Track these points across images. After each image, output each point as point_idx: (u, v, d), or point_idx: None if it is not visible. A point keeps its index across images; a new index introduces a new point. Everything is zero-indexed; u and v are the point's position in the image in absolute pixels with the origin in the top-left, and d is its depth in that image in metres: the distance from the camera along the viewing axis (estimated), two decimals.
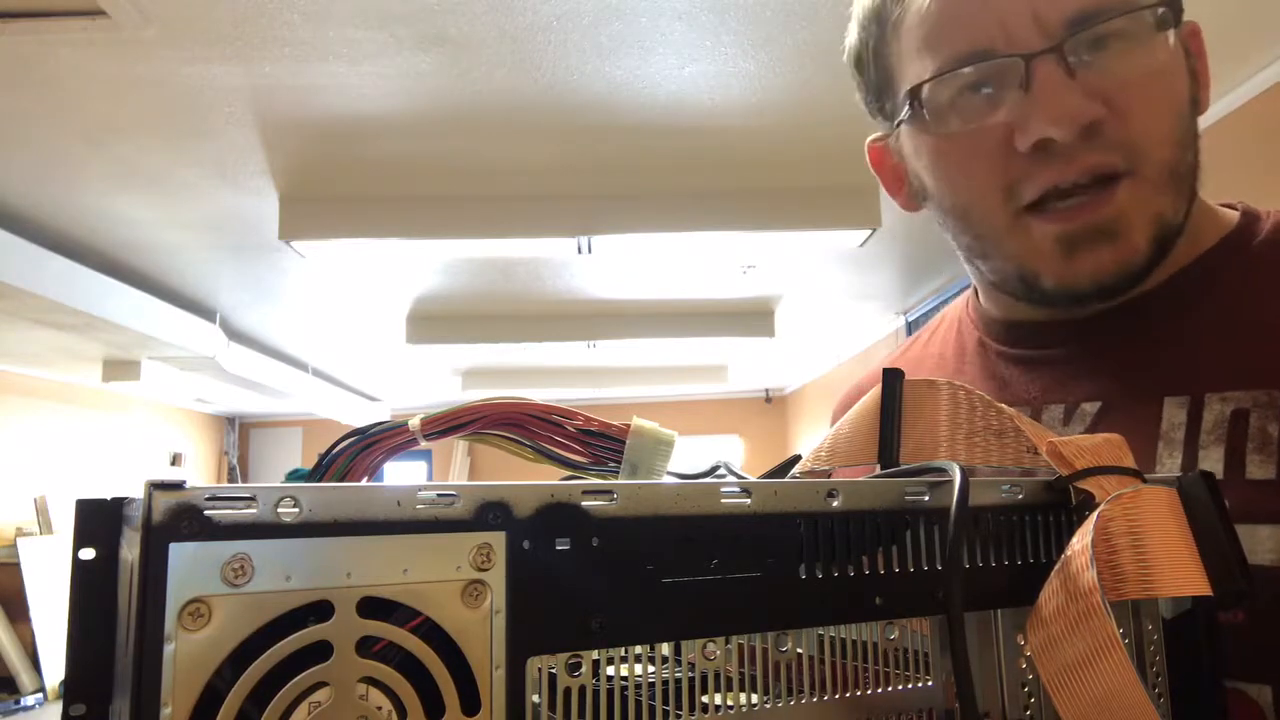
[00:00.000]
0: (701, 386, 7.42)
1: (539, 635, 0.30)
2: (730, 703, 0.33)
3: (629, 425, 0.44)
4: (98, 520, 0.32)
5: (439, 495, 0.29)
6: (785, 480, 0.41)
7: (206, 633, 0.25)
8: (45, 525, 5.57)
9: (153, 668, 0.24)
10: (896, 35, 0.60)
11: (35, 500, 5.59)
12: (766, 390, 8.35)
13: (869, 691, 0.37)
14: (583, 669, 0.31)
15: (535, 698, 0.30)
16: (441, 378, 6.69)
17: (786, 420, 8.36)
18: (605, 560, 0.31)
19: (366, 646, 0.28)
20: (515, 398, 0.42)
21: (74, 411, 6.08)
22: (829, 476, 0.54)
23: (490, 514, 0.30)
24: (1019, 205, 0.56)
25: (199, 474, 7.67)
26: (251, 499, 0.26)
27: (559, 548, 0.31)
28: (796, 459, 0.56)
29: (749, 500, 0.35)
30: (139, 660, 0.24)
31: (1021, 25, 0.54)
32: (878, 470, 0.51)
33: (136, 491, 0.28)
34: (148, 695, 0.24)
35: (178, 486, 0.26)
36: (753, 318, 4.98)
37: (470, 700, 0.28)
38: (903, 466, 0.50)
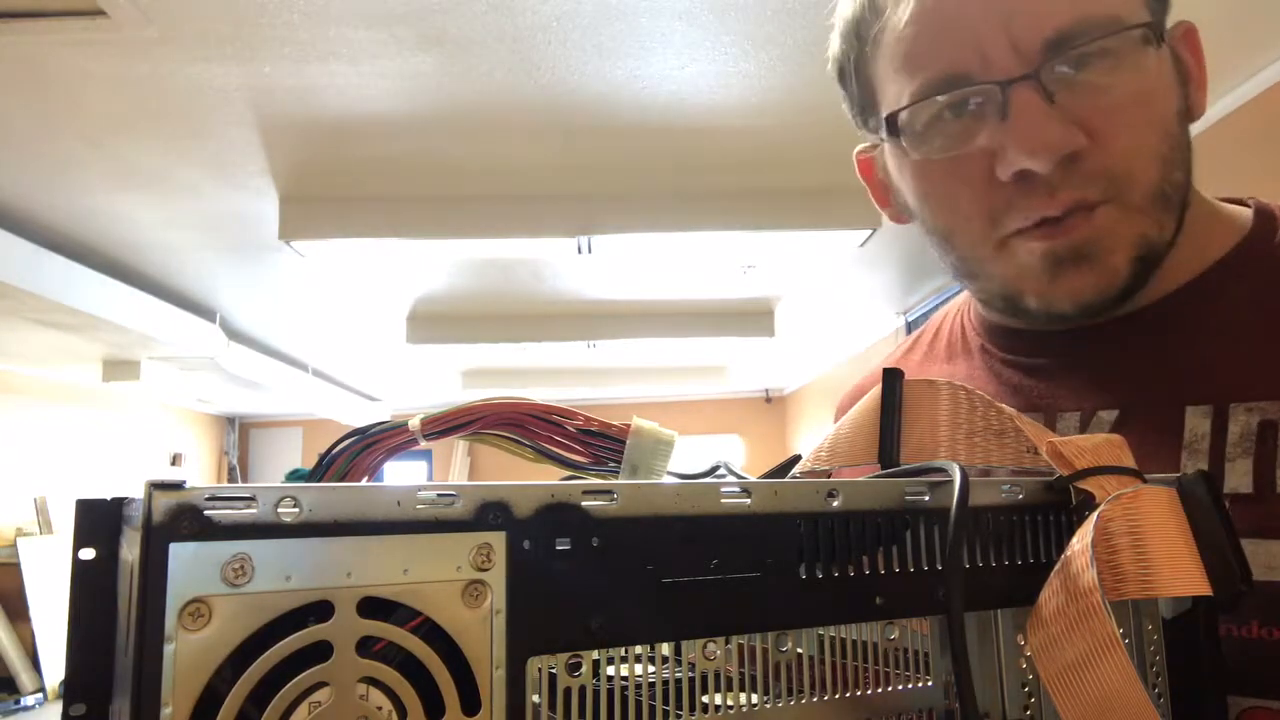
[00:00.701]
0: (701, 386, 7.42)
1: (539, 635, 0.30)
2: (730, 703, 0.33)
3: (629, 425, 0.44)
4: (98, 520, 0.32)
5: (439, 495, 0.29)
6: (785, 480, 0.41)
7: (207, 633, 0.25)
8: (45, 525, 5.57)
9: (153, 668, 0.24)
10: (876, 51, 0.59)
11: (35, 500, 5.59)
12: (766, 390, 8.35)
13: (869, 691, 0.37)
14: (583, 669, 0.31)
15: (535, 698, 0.30)
16: (441, 378, 6.69)
17: (786, 420, 8.36)
18: (605, 560, 0.31)
19: (367, 646, 0.28)
20: (515, 398, 0.42)
21: (74, 411, 6.08)
22: (829, 476, 0.54)
23: (490, 514, 0.30)
24: (1004, 232, 0.56)
25: (199, 474, 7.67)
26: (251, 499, 0.26)
27: (559, 548, 0.31)
28: (796, 459, 0.56)
29: (749, 500, 0.35)
30: (139, 660, 0.24)
31: (998, 49, 0.52)
32: (878, 470, 0.51)
33: (136, 491, 0.28)
34: (148, 695, 0.24)
35: (178, 486, 0.26)
36: (753, 318, 4.98)
37: (470, 700, 0.28)
38: (903, 466, 0.50)
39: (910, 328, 4.90)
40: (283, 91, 2.33)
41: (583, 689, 0.31)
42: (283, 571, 0.26)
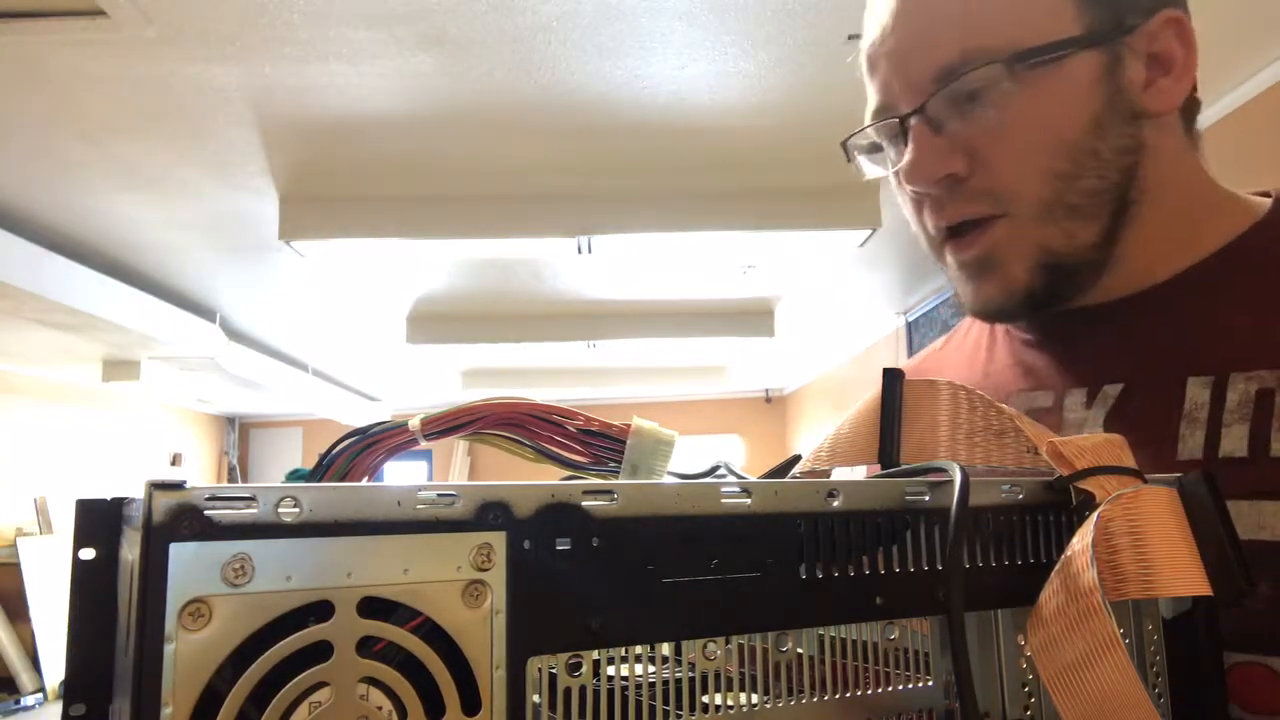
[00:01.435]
0: (701, 386, 7.42)
1: (539, 635, 0.30)
2: (730, 703, 0.33)
3: (629, 425, 0.44)
4: (98, 520, 0.32)
5: (439, 495, 0.29)
6: (785, 480, 0.41)
7: (207, 633, 0.25)
8: (45, 525, 5.57)
9: (153, 668, 0.24)
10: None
11: (35, 500, 5.59)
12: (766, 390, 8.35)
13: (869, 691, 0.37)
14: (583, 669, 0.31)
15: (535, 698, 0.30)
16: (441, 378, 6.69)
17: (786, 420, 8.36)
18: (605, 560, 0.31)
19: (367, 646, 0.28)
20: (515, 398, 0.42)
21: (74, 411, 6.08)
22: (829, 476, 0.54)
23: (490, 514, 0.30)
24: (936, 238, 0.62)
25: (199, 474, 7.67)
26: (252, 499, 0.26)
27: (559, 548, 0.31)
28: (797, 459, 0.56)
29: (749, 500, 0.35)
30: (139, 660, 0.24)
31: (899, 86, 0.59)
32: (878, 470, 0.51)
33: (136, 491, 0.28)
34: (148, 695, 0.24)
35: (178, 486, 0.26)
36: (753, 318, 4.98)
37: (470, 700, 0.28)
38: (903, 466, 0.50)
39: (910, 328, 4.90)
40: (283, 91, 2.33)
41: (583, 689, 0.31)
42: (283, 571, 0.26)
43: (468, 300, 4.55)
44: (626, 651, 0.32)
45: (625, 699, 0.31)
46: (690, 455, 0.49)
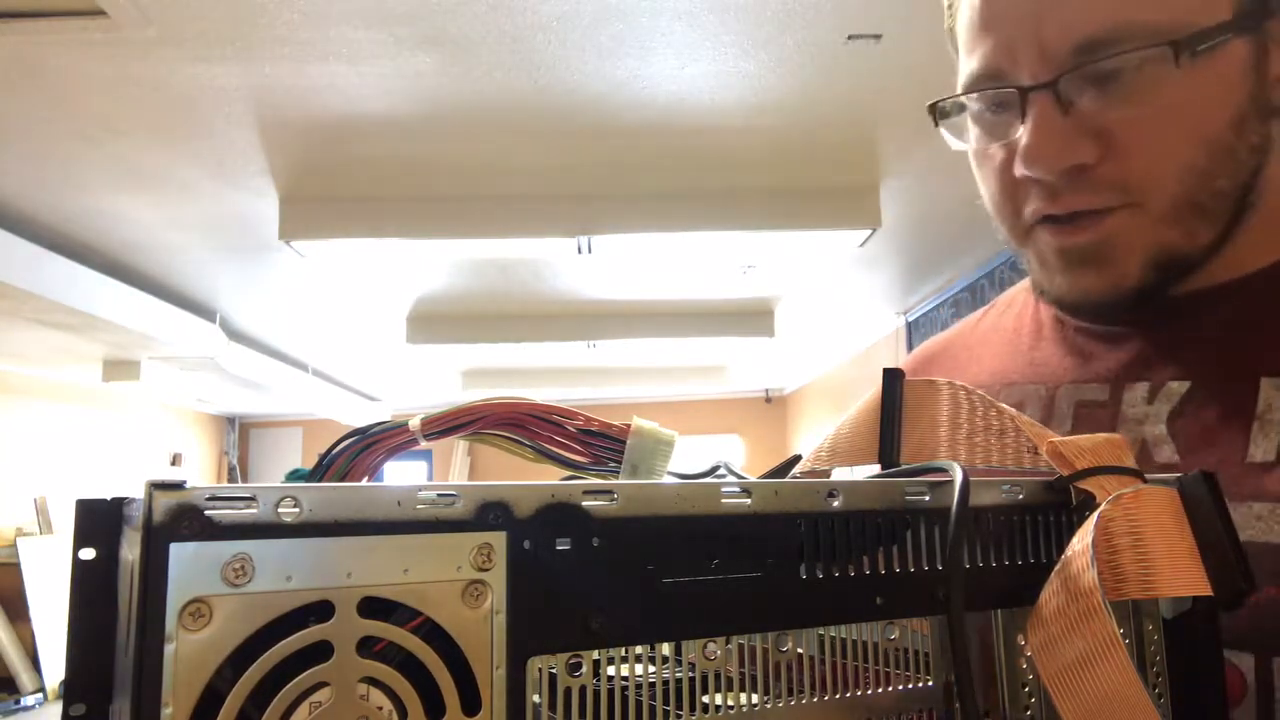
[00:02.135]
0: (701, 386, 7.42)
1: (539, 635, 0.30)
2: (730, 703, 0.33)
3: (629, 425, 0.44)
4: (98, 520, 0.32)
5: (439, 495, 0.29)
6: (785, 480, 0.41)
7: (207, 633, 0.25)
8: (45, 525, 5.57)
9: (153, 668, 0.24)
10: (954, 30, 0.61)
11: (35, 500, 5.59)
12: (766, 390, 8.35)
13: (869, 691, 0.37)
14: (583, 669, 0.31)
15: (536, 698, 0.30)
16: (441, 378, 6.68)
17: (786, 420, 8.36)
18: (605, 560, 0.31)
19: (367, 646, 0.28)
20: (515, 398, 0.42)
21: (74, 411, 6.08)
22: (829, 476, 0.54)
23: (491, 514, 0.30)
24: (1027, 221, 0.58)
25: (199, 474, 7.66)
26: (252, 499, 0.26)
27: (559, 548, 0.31)
28: (797, 459, 0.56)
29: (749, 500, 0.35)
30: (139, 660, 0.24)
31: (1027, 52, 0.52)
32: (878, 470, 0.51)
33: (136, 491, 0.28)
34: (148, 695, 0.24)
35: (178, 486, 0.26)
36: (753, 318, 4.98)
37: (471, 700, 0.28)
38: (903, 466, 0.50)
39: (910, 328, 4.90)
40: (283, 91, 2.33)
41: (583, 689, 0.31)
42: (283, 571, 0.26)
43: (468, 300, 4.55)
44: (626, 651, 0.32)
45: (625, 699, 0.31)
46: (689, 455, 0.49)
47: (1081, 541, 0.38)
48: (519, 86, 2.34)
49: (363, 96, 2.37)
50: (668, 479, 0.44)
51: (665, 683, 0.32)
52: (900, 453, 0.52)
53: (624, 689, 0.32)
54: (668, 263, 3.96)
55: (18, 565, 5.10)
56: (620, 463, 0.43)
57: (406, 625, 0.28)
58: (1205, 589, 0.38)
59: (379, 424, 0.40)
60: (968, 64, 0.57)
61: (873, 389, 0.55)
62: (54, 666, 4.98)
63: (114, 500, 0.33)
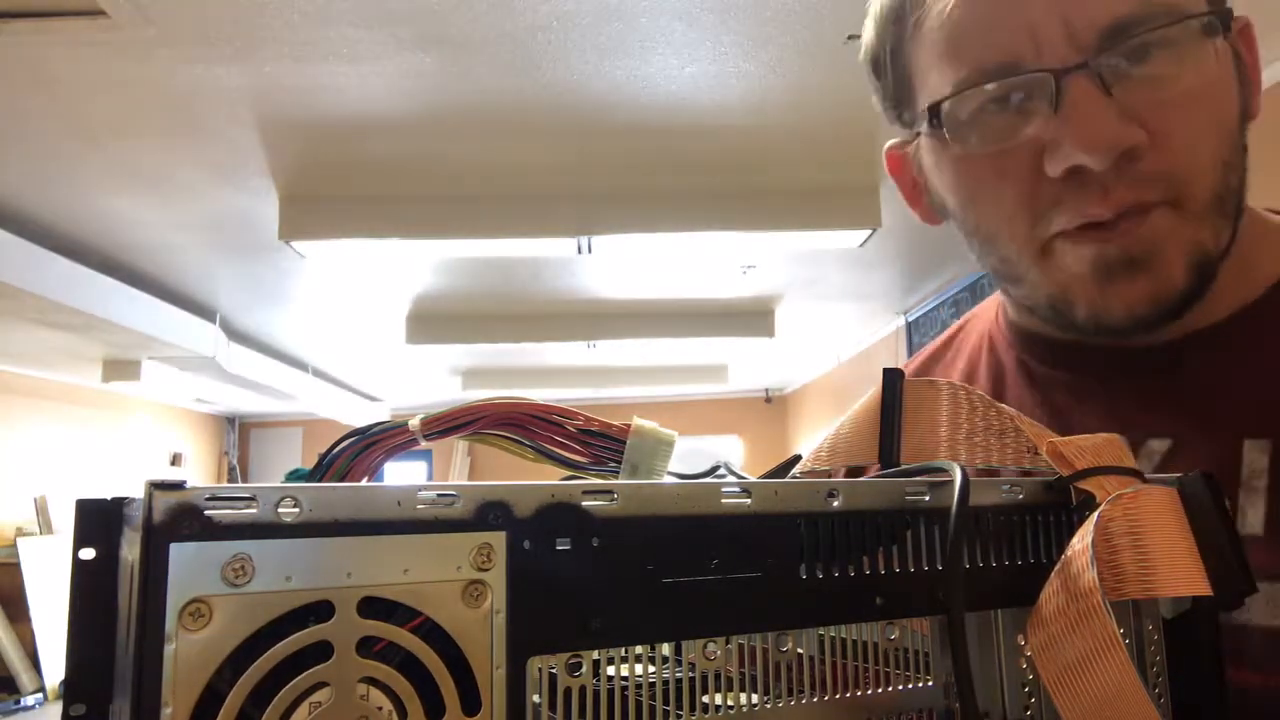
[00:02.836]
0: (701, 386, 7.42)
1: (539, 635, 0.30)
2: (730, 703, 0.33)
3: (629, 425, 0.44)
4: (98, 520, 0.32)
5: (439, 495, 0.29)
6: (785, 480, 0.41)
7: (207, 633, 0.25)
8: (45, 525, 5.57)
9: (153, 668, 0.24)
10: (917, 39, 0.55)
11: (35, 500, 5.59)
12: (766, 390, 8.35)
13: (869, 691, 0.37)
14: (583, 669, 0.31)
15: (535, 698, 0.30)
16: (441, 378, 6.69)
17: (786, 420, 8.36)
18: (605, 560, 0.31)
19: (367, 646, 0.28)
20: (515, 398, 0.42)
21: (74, 411, 6.08)
22: (829, 476, 0.54)
23: (490, 514, 0.30)
24: (1049, 232, 0.52)
25: (199, 474, 7.67)
26: (252, 499, 0.26)
27: (559, 548, 0.31)
28: (797, 459, 0.56)
29: (749, 500, 0.35)
30: (139, 660, 0.24)
31: (1052, 35, 0.48)
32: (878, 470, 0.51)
33: (136, 491, 0.28)
34: (148, 695, 0.24)
35: (178, 486, 0.26)
36: (753, 318, 4.98)
37: (470, 700, 0.28)
38: (903, 466, 0.50)
39: (910, 328, 4.90)
40: (283, 91, 2.33)
41: (583, 689, 0.30)
42: (283, 571, 0.26)
43: (468, 300, 4.55)
44: (626, 651, 0.32)
45: (625, 699, 0.31)
46: (688, 456, 0.48)
47: (1081, 541, 0.38)
48: (519, 86, 2.34)
49: (363, 96, 2.38)
50: (668, 479, 0.44)
51: (665, 683, 0.32)
52: (900, 453, 0.52)
53: (624, 689, 0.32)
54: (668, 263, 3.97)
55: (18, 565, 5.11)
56: (620, 463, 0.43)
57: (406, 625, 0.28)
58: (1205, 589, 0.38)
59: (379, 424, 0.40)
60: (959, 64, 0.52)
61: (873, 389, 0.55)
62: (54, 666, 4.98)
63: (114, 500, 0.33)
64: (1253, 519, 0.50)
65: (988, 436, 0.49)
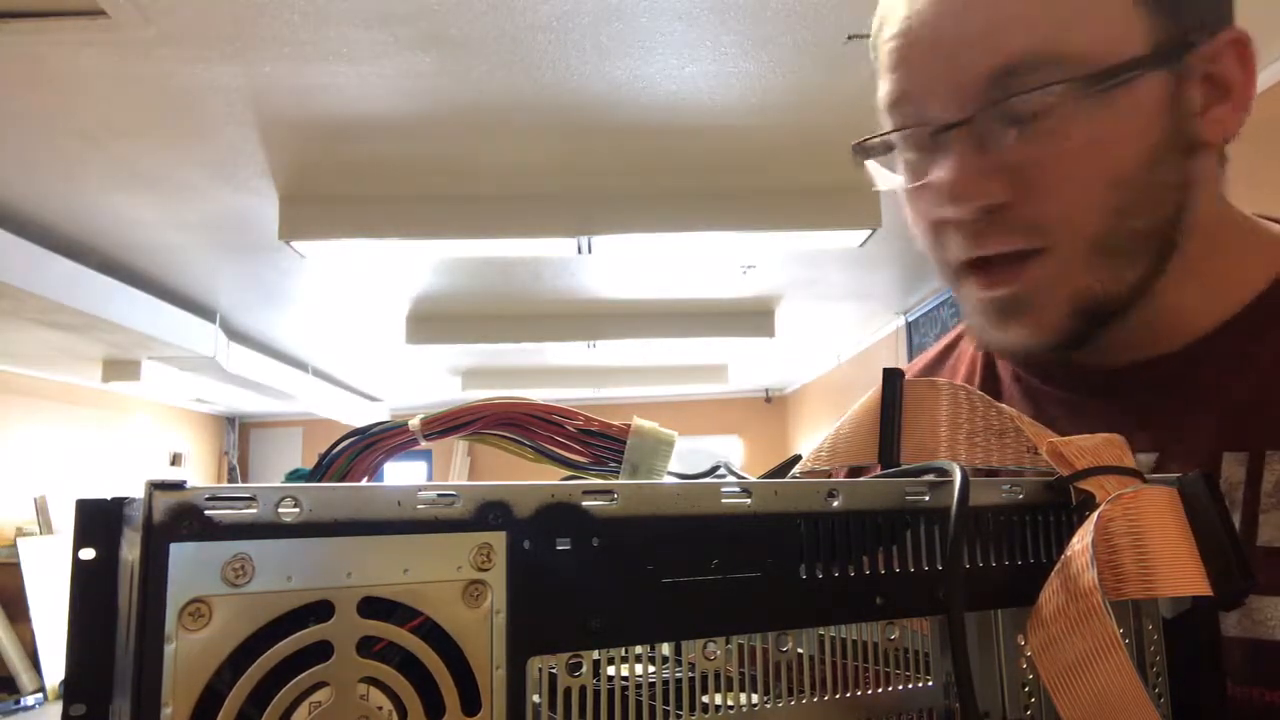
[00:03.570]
0: (701, 386, 7.42)
1: (539, 635, 0.30)
2: (730, 703, 0.33)
3: (629, 425, 0.44)
4: (98, 520, 0.32)
5: (439, 495, 0.29)
6: (785, 480, 0.41)
7: (207, 633, 0.25)
8: (45, 525, 5.57)
9: (153, 668, 0.24)
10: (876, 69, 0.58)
11: (35, 500, 5.59)
12: (766, 390, 8.35)
13: (869, 691, 0.37)
14: (583, 669, 0.31)
15: (536, 698, 0.30)
16: (441, 378, 6.69)
17: (786, 420, 8.36)
18: (605, 560, 0.31)
19: (367, 646, 0.28)
20: (515, 398, 0.42)
21: (74, 411, 6.08)
22: (829, 476, 0.54)
23: (490, 514, 0.30)
24: (954, 264, 0.55)
25: (199, 474, 7.67)
26: (252, 499, 0.26)
27: (559, 548, 0.31)
28: (797, 459, 0.56)
29: (749, 500, 0.35)
30: (139, 660, 0.24)
31: (942, 89, 0.51)
32: (878, 470, 0.51)
33: (136, 491, 0.28)
34: (148, 695, 0.24)
35: (178, 486, 0.26)
36: (753, 318, 4.98)
37: (471, 700, 0.28)
38: (903, 466, 0.50)
39: (910, 328, 4.90)
40: (283, 91, 2.33)
41: (583, 689, 0.31)
42: (283, 571, 0.26)
43: (468, 300, 4.55)
44: (626, 651, 0.32)
45: (625, 699, 0.31)
46: (688, 456, 0.48)
47: (1081, 541, 0.38)
48: (519, 86, 2.34)
49: (363, 96, 2.38)
50: (668, 479, 0.44)
51: (665, 683, 0.32)
52: (900, 453, 0.52)
53: (624, 689, 0.32)
54: (668, 263, 3.97)
55: (18, 565, 5.11)
56: (620, 463, 0.43)
57: (406, 625, 0.28)
58: (1205, 589, 0.38)
59: (379, 424, 0.40)
60: (883, 86, 0.55)
61: (873, 389, 0.55)
62: (54, 666, 4.98)
63: (114, 500, 0.33)
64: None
65: (988, 436, 0.49)
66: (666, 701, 0.32)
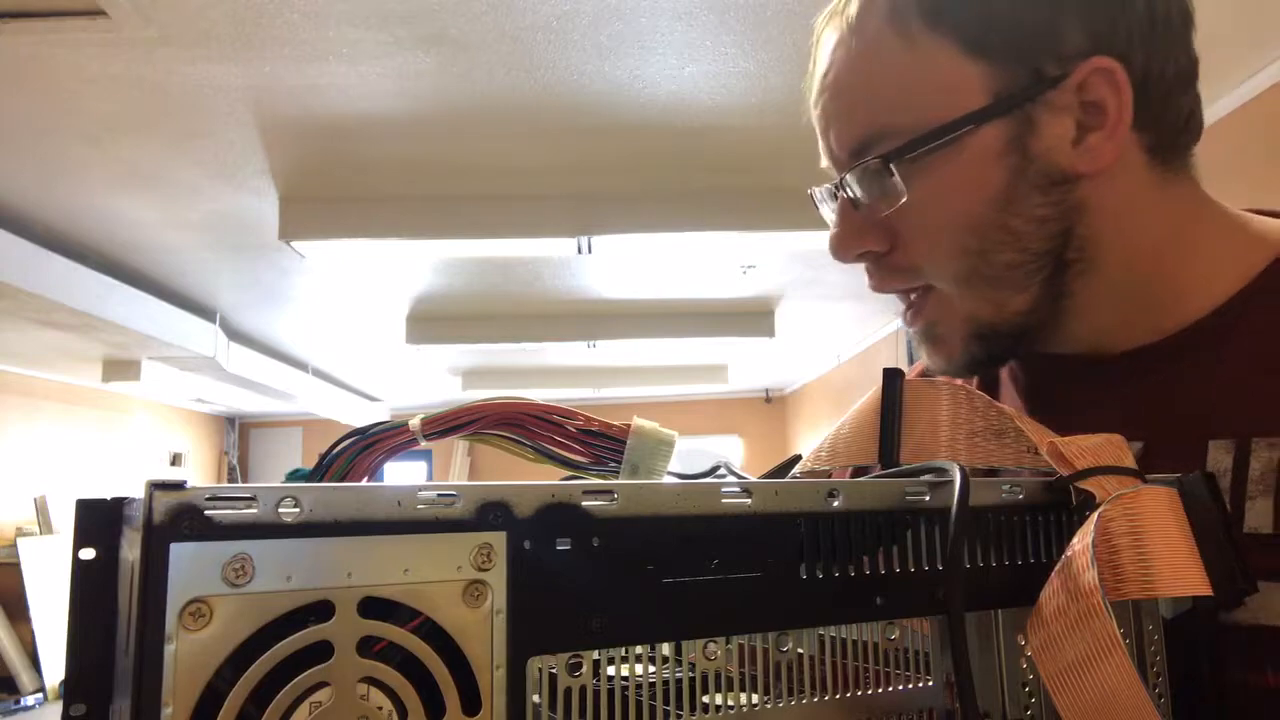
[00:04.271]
0: (701, 386, 7.42)
1: (539, 635, 0.30)
2: (730, 703, 0.33)
3: (629, 425, 0.44)
4: (98, 520, 0.32)
5: (439, 495, 0.29)
6: (786, 480, 0.41)
7: (207, 633, 0.25)
8: (45, 525, 5.57)
9: (153, 668, 0.24)
10: None
11: (35, 500, 5.59)
12: (766, 390, 8.35)
13: (869, 691, 0.37)
14: (583, 669, 0.31)
15: (536, 698, 0.30)
16: (441, 378, 6.69)
17: (786, 420, 8.36)
18: (606, 560, 0.31)
19: (367, 646, 0.28)
20: (515, 398, 0.42)
21: (74, 412, 6.08)
22: (829, 476, 0.54)
23: (491, 514, 0.30)
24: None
25: (199, 474, 7.67)
26: (252, 499, 0.26)
27: (559, 548, 0.31)
28: (797, 459, 0.56)
29: (749, 500, 0.35)
30: (139, 660, 0.24)
31: (827, 153, 0.60)
32: (878, 470, 0.51)
33: (136, 491, 0.28)
34: (148, 695, 0.24)
35: (178, 486, 0.26)
36: (753, 318, 4.98)
37: (471, 700, 0.28)
38: (903, 466, 0.50)
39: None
40: (283, 91, 2.33)
41: (583, 689, 0.31)
42: (283, 571, 0.26)
43: (468, 300, 4.55)
44: (626, 651, 0.32)
45: (625, 699, 0.31)
46: (688, 456, 0.49)
47: (1081, 541, 0.38)
48: (519, 86, 2.34)
49: (363, 96, 2.38)
50: (668, 479, 0.44)
51: (665, 683, 0.32)
52: (900, 453, 0.52)
53: (624, 689, 0.32)
54: (668, 263, 3.97)
55: (18, 565, 5.10)
56: (620, 463, 0.43)
57: (406, 625, 0.28)
58: (1205, 589, 0.38)
59: (379, 424, 0.40)
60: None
61: (873, 389, 0.55)
62: (54, 666, 4.98)
63: (114, 500, 0.33)
64: None
65: (988, 436, 0.49)
66: (667, 701, 0.32)
